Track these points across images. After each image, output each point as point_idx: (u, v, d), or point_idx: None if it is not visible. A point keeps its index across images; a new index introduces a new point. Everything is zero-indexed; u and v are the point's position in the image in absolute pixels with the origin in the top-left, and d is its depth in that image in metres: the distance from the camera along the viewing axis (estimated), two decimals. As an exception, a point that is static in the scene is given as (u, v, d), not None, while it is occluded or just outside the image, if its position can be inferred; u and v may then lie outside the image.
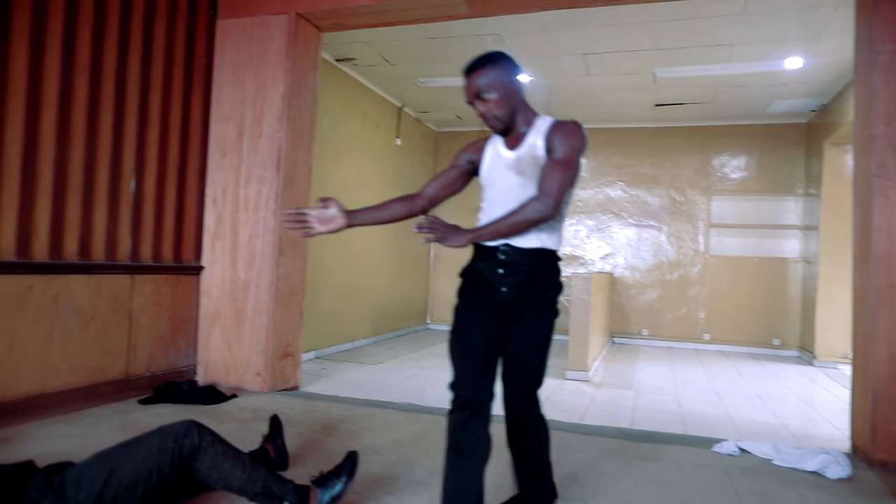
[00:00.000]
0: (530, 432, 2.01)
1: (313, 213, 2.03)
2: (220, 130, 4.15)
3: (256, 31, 4.07)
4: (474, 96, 1.98)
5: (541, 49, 5.45)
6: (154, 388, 3.69)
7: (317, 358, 5.65)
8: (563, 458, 2.86)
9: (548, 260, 1.96)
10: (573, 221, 8.29)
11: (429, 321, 8.77)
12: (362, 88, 6.58)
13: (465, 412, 1.85)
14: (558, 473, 2.67)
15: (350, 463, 2.08)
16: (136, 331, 3.68)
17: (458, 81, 6.41)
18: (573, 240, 8.32)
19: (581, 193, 8.25)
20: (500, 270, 1.94)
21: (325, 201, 2.03)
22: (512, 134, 2.02)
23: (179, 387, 3.70)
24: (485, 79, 1.94)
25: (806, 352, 7.03)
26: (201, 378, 4.06)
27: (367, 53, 5.74)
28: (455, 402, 1.87)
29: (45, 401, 3.14)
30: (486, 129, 2.04)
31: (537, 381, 1.97)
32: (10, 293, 2.98)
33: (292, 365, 4.14)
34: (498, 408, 1.93)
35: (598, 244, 8.26)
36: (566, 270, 8.15)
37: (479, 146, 2.14)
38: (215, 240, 4.11)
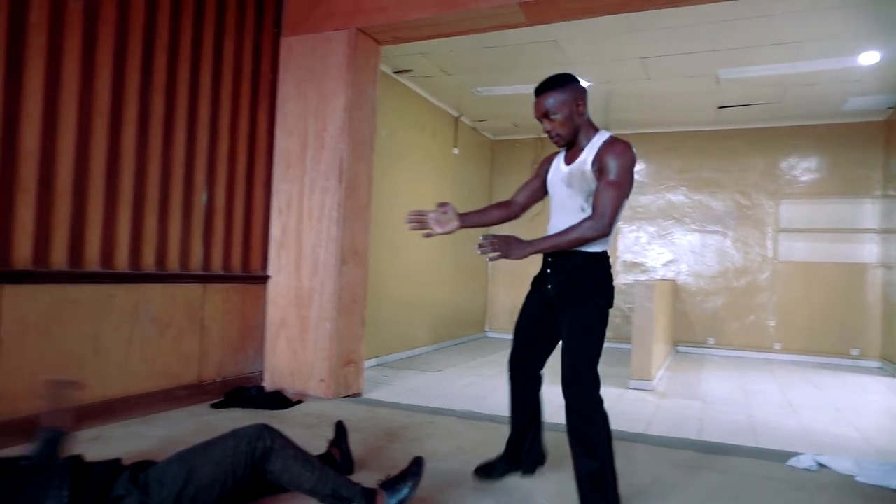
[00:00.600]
0: (585, 420, 2.12)
1: (431, 216, 2.31)
2: (285, 143, 4.29)
3: (319, 46, 4.20)
4: (542, 115, 2.20)
5: (598, 54, 5.40)
6: (224, 393, 3.84)
7: (378, 365, 5.74)
8: (628, 469, 2.80)
9: (589, 260, 2.17)
10: (633, 228, 8.14)
11: (487, 329, 8.76)
12: (419, 99, 6.68)
13: (511, 382, 2.49)
14: (622, 483, 2.62)
15: (416, 468, 2.11)
16: (207, 338, 3.84)
17: (515, 90, 6.46)
18: (633, 247, 8.16)
19: (641, 199, 8.09)
20: (548, 270, 2.28)
21: (442, 205, 2.31)
22: (573, 149, 2.24)
23: (248, 392, 3.83)
24: (552, 100, 2.16)
25: (889, 363, 6.63)
26: (268, 384, 4.20)
27: (425, 65, 5.82)
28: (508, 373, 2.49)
29: (126, 403, 3.31)
30: (543, 136, 2.13)
31: (587, 368, 2.12)
32: (95, 301, 3.16)
33: (355, 372, 4.22)
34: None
35: (659, 251, 8.07)
36: (627, 278, 8.00)
37: (550, 158, 2.42)
38: (281, 249, 4.25)
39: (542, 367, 2.49)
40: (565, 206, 2.21)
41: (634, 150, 2.14)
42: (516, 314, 2.51)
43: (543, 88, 2.18)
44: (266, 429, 1.94)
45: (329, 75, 4.16)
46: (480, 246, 2.03)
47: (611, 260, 2.28)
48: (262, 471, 1.89)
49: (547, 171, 2.40)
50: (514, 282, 8.64)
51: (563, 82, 2.18)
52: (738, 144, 7.68)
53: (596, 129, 2.22)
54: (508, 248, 2.05)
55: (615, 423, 3.68)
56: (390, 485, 2.04)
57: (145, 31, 3.42)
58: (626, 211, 8.01)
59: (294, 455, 1.94)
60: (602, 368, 2.18)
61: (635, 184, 7.81)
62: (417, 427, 3.40)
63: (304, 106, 4.24)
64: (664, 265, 8.03)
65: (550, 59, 5.52)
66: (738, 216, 7.70)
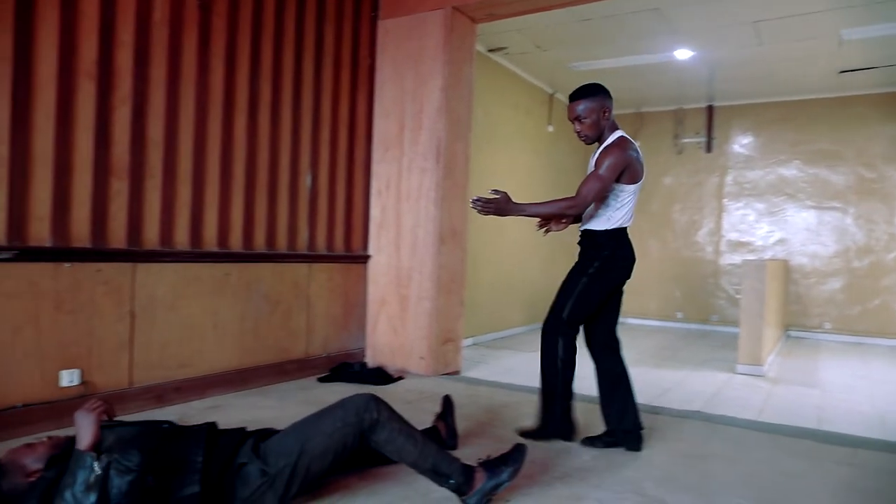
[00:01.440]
0: (546, 345, 2.74)
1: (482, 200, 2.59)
2: (383, 125, 4.38)
3: (415, 27, 4.23)
4: (574, 118, 2.66)
5: (704, 20, 5.09)
6: (330, 368, 4.01)
7: (474, 345, 5.79)
8: (742, 456, 2.69)
9: (593, 237, 2.71)
10: (740, 205, 7.69)
11: (582, 310, 8.60)
12: (514, 77, 6.59)
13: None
14: (735, 470, 2.52)
15: (518, 454, 2.08)
16: (313, 315, 4.02)
17: (614, 63, 6.23)
18: (740, 225, 7.71)
19: (748, 175, 7.62)
20: (578, 243, 2.81)
21: (497, 193, 2.57)
22: (599, 144, 2.69)
23: (352, 367, 3.98)
24: (583, 107, 2.62)
25: None
26: (370, 360, 4.34)
27: (519, 41, 5.73)
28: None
29: (242, 375, 3.54)
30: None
31: (561, 312, 2.69)
32: (213, 279, 3.39)
33: (453, 350, 4.28)
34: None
35: (769, 229, 7.57)
36: (732, 258, 7.60)
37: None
38: (381, 230, 4.36)
39: (604, 332, 2.81)
40: None
41: (630, 149, 2.61)
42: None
43: (577, 96, 2.63)
44: (373, 400, 1.99)
45: (426, 56, 4.18)
46: (475, 202, 2.54)
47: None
48: (367, 440, 1.96)
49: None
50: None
51: (594, 93, 2.62)
52: (862, 111, 7.03)
53: (614, 130, 2.66)
54: (499, 206, 2.55)
55: (723, 409, 3.54)
56: (490, 466, 2.04)
57: (253, 22, 3.58)
58: (730, 187, 7.63)
59: (398, 428, 1.98)
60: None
61: (740, 158, 7.33)
62: (517, 406, 3.41)
63: (401, 88, 4.30)
64: (774, 244, 7.54)
65: (652, 29, 5.28)
66: (860, 190, 7.09)
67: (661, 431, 3.01)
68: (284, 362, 3.81)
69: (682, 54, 5.90)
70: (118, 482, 1.69)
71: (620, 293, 2.81)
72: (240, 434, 1.95)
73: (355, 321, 4.35)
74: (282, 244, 3.81)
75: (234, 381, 3.48)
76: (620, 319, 2.85)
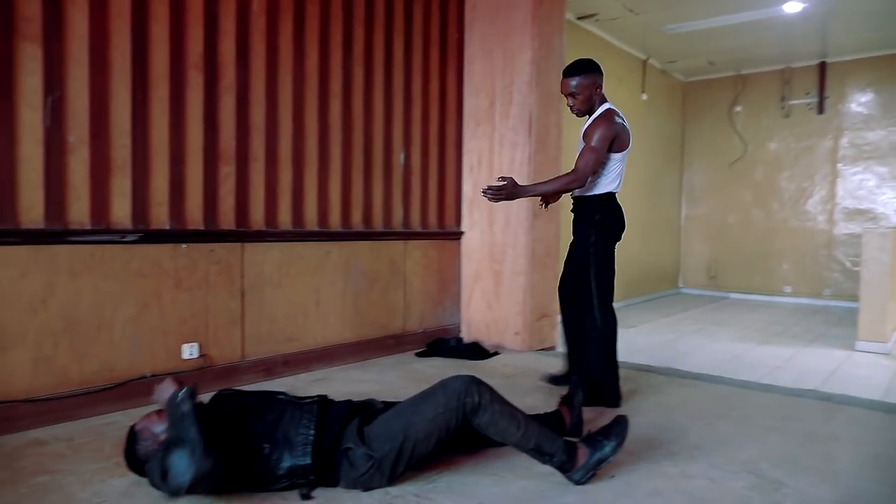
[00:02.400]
0: (572, 319, 2.98)
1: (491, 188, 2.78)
2: (473, 102, 4.35)
3: (503, 1, 4.15)
4: (567, 93, 2.85)
5: (818, -31, 4.69)
6: (426, 343, 4.09)
7: (567, 320, 5.70)
8: (865, 437, 2.51)
9: (585, 203, 2.90)
10: (858, 170, 7.08)
11: (681, 285, 8.28)
12: (604, 44, 6.35)
13: (560, 305, 3.11)
14: (861, 451, 2.36)
15: (620, 427, 2.03)
16: (409, 291, 4.10)
17: (712, 23, 5.87)
18: (858, 191, 7.11)
19: (867, 136, 6.99)
20: (571, 210, 3.00)
21: (504, 180, 2.77)
22: (589, 116, 2.88)
23: (448, 342, 4.03)
24: (576, 82, 2.81)
25: None
26: (464, 336, 4.38)
27: (610, 6, 5.51)
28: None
29: (343, 349, 3.67)
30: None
31: (591, 297, 2.88)
32: (314, 258, 3.52)
33: (549, 325, 4.24)
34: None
35: (892, 195, 6.94)
36: (848, 226, 7.04)
37: None
38: (473, 206, 4.36)
39: (569, 287, 3.04)
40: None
41: (616, 120, 2.80)
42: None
43: (571, 73, 2.81)
44: (473, 383, 1.96)
45: (514, 29, 4.10)
46: (485, 192, 2.75)
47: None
48: (470, 423, 1.96)
49: None
50: (710, 235, 8.03)
51: (588, 69, 2.81)
52: None
53: (602, 103, 2.85)
54: (509, 192, 2.76)
55: (841, 388, 3.31)
56: (592, 441, 2.00)
57: (344, 5, 3.63)
58: (846, 150, 7.04)
59: (500, 410, 1.96)
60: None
61: (858, 117, 6.78)
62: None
63: (490, 63, 4.25)
64: (899, 211, 6.91)
65: (757, -17, 4.92)
66: None
67: (772, 410, 2.86)
68: (383, 338, 3.92)
69: (792, 7, 5.46)
70: (235, 446, 1.80)
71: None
72: (347, 409, 2.00)
73: (450, 297, 4.39)
74: (378, 222, 3.89)
75: (336, 356, 3.62)
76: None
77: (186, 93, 2.94)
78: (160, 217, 2.86)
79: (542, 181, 2.83)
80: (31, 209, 2.48)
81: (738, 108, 7.70)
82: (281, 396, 1.99)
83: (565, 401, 2.47)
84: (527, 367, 3.62)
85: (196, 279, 2.99)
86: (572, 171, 2.80)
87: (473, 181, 4.35)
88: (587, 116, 2.90)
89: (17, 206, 2.44)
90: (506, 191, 2.75)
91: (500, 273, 4.20)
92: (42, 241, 2.50)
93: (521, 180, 4.06)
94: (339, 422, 1.94)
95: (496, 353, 3.99)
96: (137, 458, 1.85)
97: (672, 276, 8.18)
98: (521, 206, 4.07)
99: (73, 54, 2.57)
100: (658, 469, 2.14)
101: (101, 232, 2.66)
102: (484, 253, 4.29)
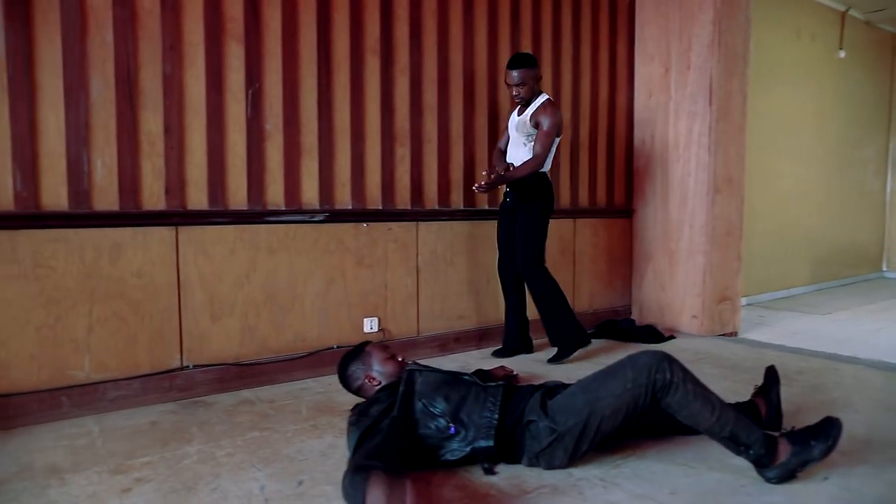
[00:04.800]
0: (536, 283, 3.18)
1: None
2: (646, 70, 4.10)
3: (681, -43, 3.84)
4: (512, 84, 3.06)
5: None
6: (596, 325, 3.96)
7: (748, 305, 5.25)
8: None
9: (528, 182, 3.12)
10: None
11: (885, 268, 7.26)
12: (794, -2, 5.67)
13: (501, 285, 3.39)
14: None
15: (832, 430, 1.77)
16: (578, 270, 3.99)
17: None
18: None
19: None
20: (507, 189, 3.24)
21: (491, 173, 2.97)
22: (526, 105, 3.14)
23: (619, 324, 3.88)
24: (520, 74, 3.03)
25: None
26: (636, 318, 4.19)
27: (805, -47, 4.88)
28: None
29: (512, 328, 3.66)
30: None
31: (533, 257, 3.16)
32: (486, 236, 3.52)
33: (730, 309, 3.92)
34: None
35: None
36: None
37: (511, 112, 3.30)
38: (645, 182, 4.13)
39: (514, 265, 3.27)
40: (515, 142, 3.19)
41: (558, 109, 3.12)
42: None
43: (516, 65, 3.03)
44: (666, 360, 1.83)
45: (693, -13, 3.78)
46: (478, 188, 2.94)
47: None
48: (659, 402, 1.84)
49: (509, 121, 3.30)
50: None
51: (532, 63, 3.05)
52: None
53: (539, 94, 3.12)
54: (494, 183, 2.96)
55: None
56: (798, 439, 1.78)
57: (513, -22, 3.57)
58: None
59: (693, 391, 1.81)
60: None
61: None
62: (816, 373, 2.99)
63: (664, 26, 3.97)
64: None
65: None
66: None
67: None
68: (550, 317, 3.85)
69: None
70: (423, 422, 1.85)
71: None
72: (530, 391, 1.98)
73: (619, 278, 4.22)
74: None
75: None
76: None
77: (365, 76, 3.07)
78: (343, 197, 3.03)
79: (516, 168, 3.05)
80: (237, 192, 2.74)
81: None
82: (467, 378, 2.01)
83: (760, 391, 2.24)
84: (707, 354, 3.37)
85: (375, 256, 3.13)
86: (533, 157, 3.06)
87: (646, 155, 4.11)
88: (525, 106, 3.14)
89: (226, 190, 2.71)
90: (494, 183, 2.96)
91: (675, 252, 3.94)
92: (246, 220, 2.75)
93: (700, 152, 3.78)
94: (522, 403, 1.93)
95: (672, 337, 3.76)
96: (346, 372, 2.13)
97: (874, 258, 7.19)
98: (699, 180, 3.78)
99: (269, 49, 2.78)
100: (881, 475, 1.87)
101: (294, 212, 2.87)
102: (657, 231, 4.05)
